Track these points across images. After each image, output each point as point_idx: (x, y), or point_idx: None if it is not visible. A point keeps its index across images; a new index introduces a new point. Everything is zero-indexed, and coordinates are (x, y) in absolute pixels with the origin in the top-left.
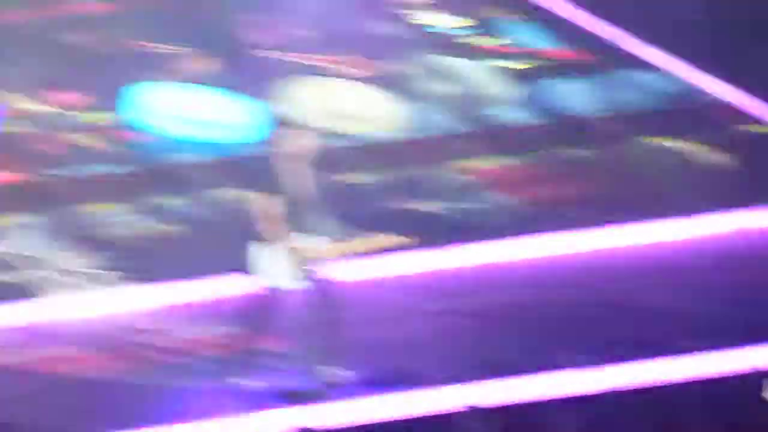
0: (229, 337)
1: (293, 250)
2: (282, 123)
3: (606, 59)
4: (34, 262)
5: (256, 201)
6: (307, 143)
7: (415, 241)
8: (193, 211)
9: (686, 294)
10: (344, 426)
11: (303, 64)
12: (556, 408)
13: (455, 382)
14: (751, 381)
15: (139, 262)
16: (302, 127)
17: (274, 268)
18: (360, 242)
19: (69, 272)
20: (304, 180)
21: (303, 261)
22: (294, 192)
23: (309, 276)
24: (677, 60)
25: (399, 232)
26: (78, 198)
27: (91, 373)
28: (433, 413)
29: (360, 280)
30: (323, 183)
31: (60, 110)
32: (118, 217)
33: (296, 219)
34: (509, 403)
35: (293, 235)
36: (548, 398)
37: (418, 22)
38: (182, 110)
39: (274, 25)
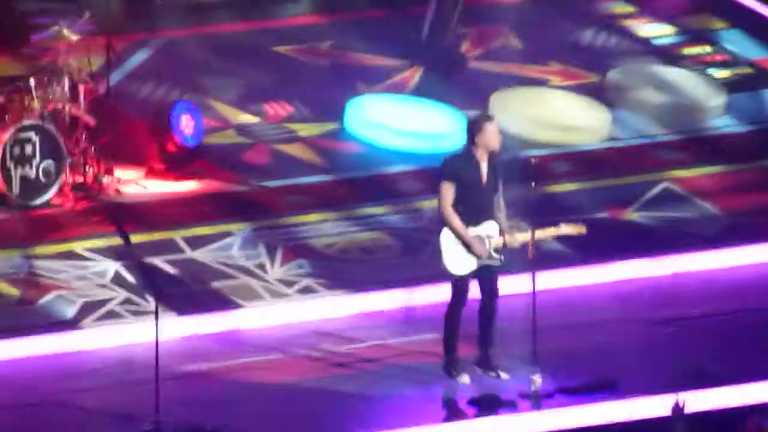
0: (426, 345)
1: (479, 239)
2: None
3: None
4: (238, 271)
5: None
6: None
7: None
8: (396, 220)
9: None
10: None
11: (514, 75)
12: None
13: (656, 391)
14: None
15: (341, 270)
16: (501, 133)
17: (459, 258)
18: (540, 231)
19: (272, 281)
20: (494, 175)
21: (489, 249)
22: (482, 185)
23: (496, 264)
24: None
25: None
26: (284, 208)
27: (291, 381)
28: (632, 420)
29: (560, 288)
30: (526, 192)
31: (271, 122)
32: (322, 227)
33: (483, 210)
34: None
35: (480, 225)
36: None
37: (629, 31)
38: (392, 121)
39: (486, 35)
